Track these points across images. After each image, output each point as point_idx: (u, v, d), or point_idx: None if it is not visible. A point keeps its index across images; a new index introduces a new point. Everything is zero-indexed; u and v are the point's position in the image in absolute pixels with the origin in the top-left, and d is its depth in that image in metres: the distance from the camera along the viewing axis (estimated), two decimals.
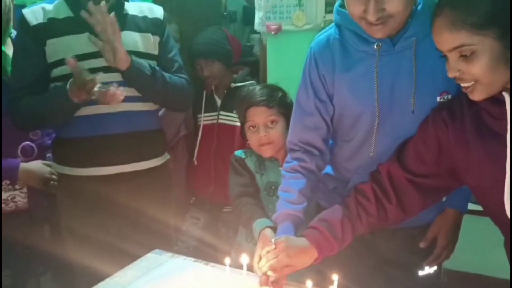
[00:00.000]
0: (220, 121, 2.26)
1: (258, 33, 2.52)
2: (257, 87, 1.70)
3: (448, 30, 1.01)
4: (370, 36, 1.23)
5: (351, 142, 1.37)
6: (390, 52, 1.25)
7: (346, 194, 1.31)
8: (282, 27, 2.33)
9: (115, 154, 1.67)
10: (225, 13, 4.04)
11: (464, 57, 1.01)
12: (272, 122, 1.61)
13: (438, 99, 1.25)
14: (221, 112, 2.27)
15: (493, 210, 1.14)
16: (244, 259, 1.21)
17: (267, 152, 1.63)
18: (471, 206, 1.43)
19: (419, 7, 1.21)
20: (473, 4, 0.98)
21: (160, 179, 1.82)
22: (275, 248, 1.19)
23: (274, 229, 1.33)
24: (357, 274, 1.38)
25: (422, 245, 1.40)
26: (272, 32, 2.34)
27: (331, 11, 2.19)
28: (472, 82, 1.02)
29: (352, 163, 1.39)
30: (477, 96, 1.05)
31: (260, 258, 1.20)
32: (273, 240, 1.22)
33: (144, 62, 1.65)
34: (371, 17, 1.15)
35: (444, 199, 1.40)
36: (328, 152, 1.42)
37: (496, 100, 1.06)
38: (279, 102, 1.64)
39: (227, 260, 1.24)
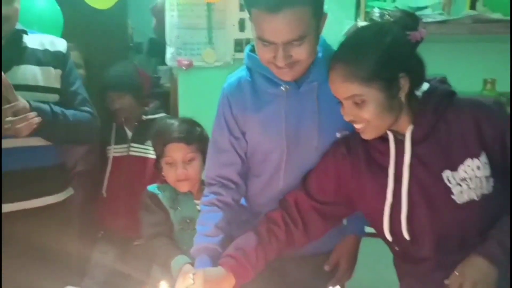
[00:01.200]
0: (131, 153, 2.26)
1: (165, 64, 2.57)
2: (176, 122, 1.68)
3: (342, 82, 1.17)
4: (278, 79, 1.36)
5: (261, 177, 1.47)
6: (296, 94, 1.37)
7: (257, 222, 1.39)
8: (193, 63, 2.40)
9: (13, 191, 1.62)
10: (131, 44, 4.04)
11: (356, 104, 1.17)
12: (190, 159, 1.62)
13: (337, 135, 1.39)
14: (132, 144, 2.27)
15: (379, 232, 1.30)
16: (163, 286, 1.21)
17: (184, 188, 1.64)
18: (368, 229, 1.59)
19: (319, 55, 1.36)
20: (361, 61, 1.14)
21: (62, 214, 1.77)
22: (194, 283, 1.22)
23: (193, 264, 1.36)
24: None
25: (326, 268, 1.51)
26: (183, 68, 2.40)
27: (240, 50, 2.34)
28: (363, 124, 1.19)
29: (263, 196, 1.48)
30: (367, 135, 1.22)
31: None
32: (191, 274, 1.25)
33: (43, 106, 1.60)
34: (280, 63, 1.27)
35: (345, 222, 1.54)
36: (244, 185, 1.49)
37: (383, 139, 1.24)
38: (198, 139, 1.65)
39: None
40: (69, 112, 1.70)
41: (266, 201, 1.46)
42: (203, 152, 1.62)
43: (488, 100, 1.25)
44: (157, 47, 4.05)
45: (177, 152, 1.62)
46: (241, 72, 1.45)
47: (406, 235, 1.23)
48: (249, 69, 1.43)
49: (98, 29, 2.83)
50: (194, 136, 1.65)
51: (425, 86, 1.25)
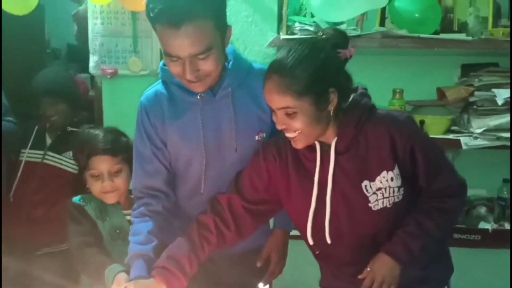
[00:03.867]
0: (45, 161, 2.18)
1: (86, 72, 2.52)
2: (100, 133, 1.64)
3: (276, 93, 1.24)
4: None
5: (187, 183, 1.51)
6: (211, 101, 1.43)
7: (188, 228, 1.43)
8: (118, 71, 2.37)
9: None
10: (48, 51, 3.88)
11: (288, 114, 1.25)
12: (117, 171, 1.59)
13: (256, 138, 1.47)
14: (49, 152, 2.19)
15: (303, 235, 1.40)
16: None
17: (111, 200, 1.61)
18: (292, 232, 1.68)
19: (230, 63, 1.43)
20: (295, 76, 1.22)
21: None
22: None
23: (127, 272, 1.37)
24: None
25: (258, 264, 1.59)
26: (108, 76, 2.37)
27: None
28: (296, 134, 1.27)
29: (191, 201, 1.53)
30: (299, 145, 1.30)
31: None
32: (122, 287, 1.27)
33: None
34: (189, 77, 1.32)
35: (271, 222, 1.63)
36: (173, 194, 1.52)
37: (311, 147, 1.33)
38: (124, 149, 1.62)
39: None
40: None
41: (195, 206, 1.50)
42: (129, 162, 1.58)
43: (400, 115, 1.38)
44: (77, 54, 3.93)
45: (102, 164, 1.58)
46: (157, 85, 1.50)
47: (328, 239, 1.33)
48: (164, 82, 1.47)
49: (13, 33, 2.72)
50: (120, 147, 1.61)
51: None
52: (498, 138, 2.07)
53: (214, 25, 1.28)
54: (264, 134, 1.49)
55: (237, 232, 1.42)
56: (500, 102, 2.08)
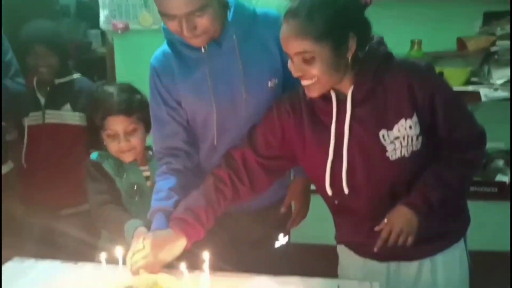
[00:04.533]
0: (47, 120, 2.11)
1: (98, 28, 2.48)
2: (114, 91, 1.60)
3: (294, 37, 1.19)
4: None
5: (207, 141, 1.50)
6: (218, 53, 1.40)
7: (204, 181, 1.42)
8: (129, 26, 2.33)
9: None
10: (57, 8, 3.81)
11: (305, 60, 1.20)
12: (132, 130, 1.58)
13: (269, 84, 1.45)
14: (47, 111, 2.11)
15: (320, 187, 1.38)
16: (119, 251, 1.23)
17: (128, 158, 1.61)
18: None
19: (231, 12, 1.39)
20: (315, 19, 1.17)
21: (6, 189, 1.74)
22: (144, 247, 1.26)
23: (147, 227, 1.38)
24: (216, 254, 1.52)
25: (282, 209, 1.58)
26: (119, 31, 2.33)
27: None
28: (312, 81, 1.23)
29: (213, 159, 1.51)
30: (314, 93, 1.26)
31: (134, 254, 1.26)
32: (141, 240, 1.29)
33: None
34: (186, 34, 1.30)
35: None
36: (195, 153, 1.52)
37: (326, 98, 1.30)
38: (138, 108, 1.59)
39: (103, 256, 1.23)
40: (8, 83, 1.69)
41: (215, 161, 1.49)
42: (144, 120, 1.59)
43: (420, 62, 1.33)
44: (86, 10, 3.88)
45: (118, 124, 1.57)
46: (164, 46, 1.48)
47: (346, 189, 1.32)
48: (169, 41, 1.45)
49: None
50: (135, 106, 1.59)
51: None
52: None
53: None
54: (277, 80, 1.46)
55: (251, 187, 1.42)
56: None
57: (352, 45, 1.21)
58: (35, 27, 2.10)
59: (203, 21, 1.28)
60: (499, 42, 2.08)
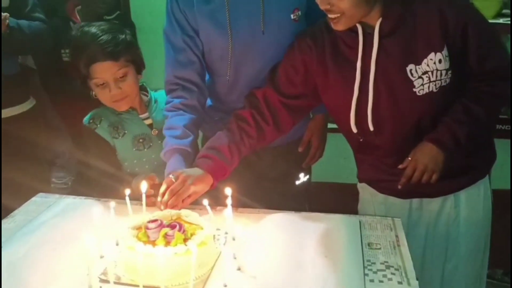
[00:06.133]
0: None
1: None
2: (97, 32, 1.42)
3: None
4: None
5: (222, 75, 1.46)
6: None
7: (227, 122, 1.41)
8: None
9: None
10: None
11: None
12: (122, 75, 1.43)
13: (292, 16, 1.38)
14: None
15: (343, 125, 1.35)
16: (144, 186, 1.21)
17: (123, 107, 1.49)
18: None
19: None
20: None
21: (29, 123, 1.75)
22: (176, 181, 1.24)
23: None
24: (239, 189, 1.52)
25: (300, 149, 1.58)
26: None
27: None
28: (338, 15, 1.17)
29: (231, 93, 1.49)
30: (340, 26, 1.20)
31: (163, 195, 1.23)
32: (171, 175, 1.26)
33: None
34: None
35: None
36: (206, 87, 1.47)
37: (351, 31, 1.24)
38: (126, 49, 1.44)
39: (127, 191, 1.21)
40: (24, 24, 1.63)
41: (236, 97, 1.47)
42: (134, 62, 1.47)
43: None
44: None
45: (105, 71, 1.41)
46: None
47: (371, 126, 1.29)
48: None
49: None
50: (121, 47, 1.43)
51: None
52: None
53: None
54: (300, 12, 1.40)
55: (275, 126, 1.39)
56: None
57: None
58: None
59: None
60: None
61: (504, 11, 2.07)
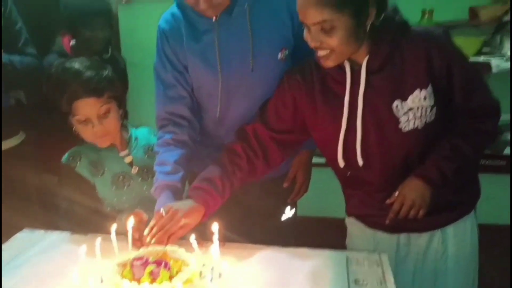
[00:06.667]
0: None
1: None
2: (79, 68, 1.40)
3: (313, 6, 1.14)
4: None
5: (210, 111, 1.48)
6: (228, 21, 1.37)
7: (218, 155, 1.43)
8: None
9: None
10: None
11: (324, 30, 1.16)
12: (105, 112, 1.42)
13: (279, 56, 1.41)
14: None
15: (332, 160, 1.36)
16: (130, 222, 1.20)
17: (105, 143, 1.49)
18: (315, 160, 1.68)
19: None
20: None
21: (18, 158, 1.75)
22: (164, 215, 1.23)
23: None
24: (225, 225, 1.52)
25: (285, 184, 1.59)
26: (123, 1, 2.28)
27: None
28: (328, 51, 1.19)
29: (219, 128, 1.50)
30: (330, 63, 1.22)
31: (151, 228, 1.22)
32: (161, 209, 1.25)
33: None
34: (203, 6, 1.28)
35: None
36: (197, 122, 1.49)
37: (339, 68, 1.27)
38: (109, 85, 1.43)
39: (114, 227, 1.19)
40: (16, 59, 1.65)
41: (224, 133, 1.49)
42: (116, 98, 1.47)
43: (437, 30, 1.28)
44: None
45: (89, 108, 1.40)
46: (173, 8, 1.44)
47: (360, 161, 1.30)
48: (179, 5, 1.42)
49: None
50: (104, 84, 1.42)
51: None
52: None
53: None
54: (287, 51, 1.43)
55: (265, 160, 1.40)
56: None
57: (372, 11, 1.17)
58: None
59: None
60: None
61: (484, 49, 2.14)
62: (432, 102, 1.24)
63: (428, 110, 1.24)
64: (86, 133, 1.45)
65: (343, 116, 1.28)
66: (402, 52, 1.23)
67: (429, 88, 1.23)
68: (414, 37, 1.23)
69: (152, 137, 1.58)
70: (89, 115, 1.41)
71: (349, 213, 1.47)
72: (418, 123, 1.25)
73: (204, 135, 1.54)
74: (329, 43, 1.17)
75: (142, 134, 1.58)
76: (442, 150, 1.26)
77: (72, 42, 1.96)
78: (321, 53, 1.21)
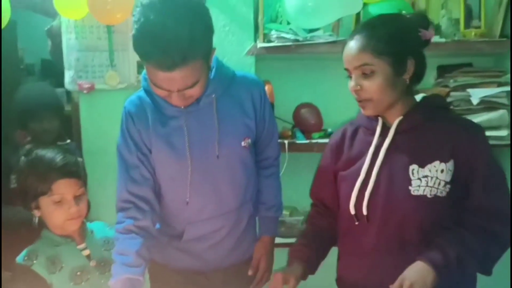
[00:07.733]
0: None
1: (61, 87, 2.46)
2: (57, 154, 1.49)
3: (356, 50, 1.27)
4: None
5: (173, 194, 1.49)
6: (196, 108, 1.43)
7: (181, 246, 1.40)
8: (95, 86, 2.33)
9: None
10: (22, 66, 3.81)
11: (364, 74, 1.27)
12: (80, 194, 1.50)
13: (242, 144, 1.47)
14: None
15: (342, 209, 1.41)
16: None
17: (74, 226, 1.50)
18: (281, 240, 1.68)
19: (213, 72, 1.43)
20: (377, 35, 1.27)
21: None
22: None
23: None
24: None
25: (250, 272, 1.58)
26: (85, 91, 2.33)
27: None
28: (367, 98, 1.29)
29: (179, 214, 1.50)
30: (369, 111, 1.33)
31: None
32: None
33: None
34: (175, 103, 1.33)
35: (257, 230, 1.63)
36: (158, 206, 1.48)
37: (372, 120, 1.37)
38: (83, 171, 1.54)
39: None
40: None
41: (183, 220, 1.49)
42: (85, 184, 1.54)
43: (474, 122, 1.38)
44: (51, 69, 3.88)
45: (68, 188, 1.46)
46: (140, 92, 1.48)
47: (364, 210, 1.33)
48: (146, 90, 1.46)
49: None
50: (81, 168, 1.52)
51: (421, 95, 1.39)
52: None
53: (204, 61, 1.29)
54: (250, 140, 1.48)
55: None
56: (475, 101, 2.12)
57: (410, 67, 1.28)
58: (36, 93, 2.18)
59: (194, 91, 1.31)
60: (453, 94, 2.19)
61: None
62: (448, 179, 1.28)
63: (442, 183, 1.28)
64: (59, 215, 1.46)
65: (363, 166, 1.34)
66: (433, 125, 1.31)
67: (450, 164, 1.28)
68: (450, 118, 1.34)
69: (108, 230, 1.58)
70: (66, 195, 1.45)
71: (340, 274, 1.47)
72: (428, 191, 1.28)
73: (165, 223, 1.53)
74: (369, 88, 1.26)
75: (98, 227, 1.59)
76: (448, 236, 1.27)
77: (28, 138, 2.03)
78: (359, 99, 1.30)
